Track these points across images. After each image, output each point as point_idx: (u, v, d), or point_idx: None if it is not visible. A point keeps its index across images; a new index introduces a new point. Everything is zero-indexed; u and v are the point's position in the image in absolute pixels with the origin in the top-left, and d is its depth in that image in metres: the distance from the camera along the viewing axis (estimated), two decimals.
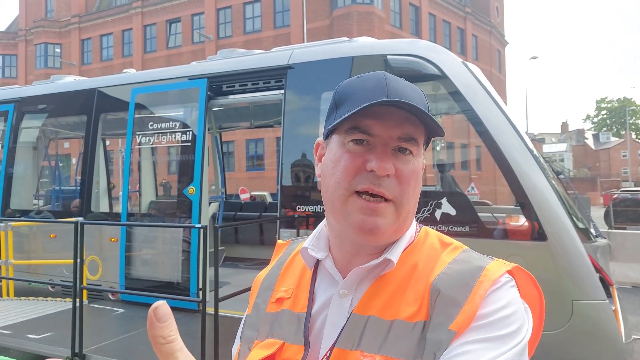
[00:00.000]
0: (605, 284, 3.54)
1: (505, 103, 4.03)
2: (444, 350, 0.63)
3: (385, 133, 0.71)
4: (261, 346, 0.75)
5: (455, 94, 3.94)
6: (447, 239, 0.79)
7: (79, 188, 5.94)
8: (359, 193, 0.70)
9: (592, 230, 4.10)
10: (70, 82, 6.28)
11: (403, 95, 0.70)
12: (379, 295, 0.71)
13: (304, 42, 19.71)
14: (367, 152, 0.71)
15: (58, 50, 32.16)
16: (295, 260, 0.86)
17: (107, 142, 7.13)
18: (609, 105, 71.59)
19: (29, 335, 4.08)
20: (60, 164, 8.81)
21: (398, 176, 0.71)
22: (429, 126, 0.72)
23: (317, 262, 0.80)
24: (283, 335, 0.75)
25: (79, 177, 6.10)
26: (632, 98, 70.86)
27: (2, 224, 5.54)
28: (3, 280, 5.52)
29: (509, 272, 0.71)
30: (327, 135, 0.78)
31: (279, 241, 0.96)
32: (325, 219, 0.81)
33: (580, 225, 3.75)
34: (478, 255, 0.75)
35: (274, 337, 0.76)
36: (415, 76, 4.16)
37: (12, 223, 5.61)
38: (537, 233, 3.51)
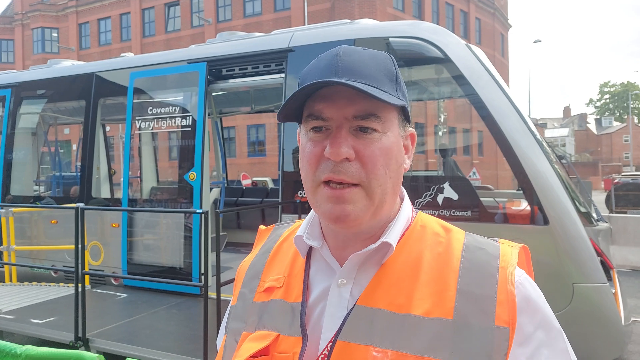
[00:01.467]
0: (606, 267, 3.55)
1: (508, 87, 3.98)
2: (503, 350, 0.62)
3: (338, 114, 0.66)
4: (252, 338, 0.72)
5: (459, 77, 3.89)
6: (447, 224, 0.76)
7: (79, 174, 5.93)
8: (326, 182, 0.67)
9: (594, 214, 4.09)
10: (67, 66, 6.22)
11: (354, 69, 0.65)
12: (384, 285, 0.68)
13: (304, 25, 19.46)
14: (325, 138, 0.67)
15: (55, 34, 31.80)
16: (283, 247, 0.82)
17: (107, 128, 7.09)
18: (612, 90, 71.03)
19: (33, 320, 4.11)
20: (61, 150, 8.79)
21: (360, 158, 0.66)
22: (388, 100, 0.65)
23: (310, 249, 0.77)
24: (276, 326, 0.71)
25: (79, 163, 6.08)
26: (635, 82, 70.24)
27: (3, 210, 5.54)
28: (5, 266, 5.55)
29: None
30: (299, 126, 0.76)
31: (261, 227, 0.91)
32: None
33: (582, 209, 3.75)
34: (482, 238, 0.73)
35: (266, 329, 0.72)
36: (418, 59, 4.11)
37: (13, 209, 5.62)
38: (539, 217, 3.51)
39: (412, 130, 0.76)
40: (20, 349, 1.59)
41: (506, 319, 0.63)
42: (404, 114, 0.73)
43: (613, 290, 3.49)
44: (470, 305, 0.64)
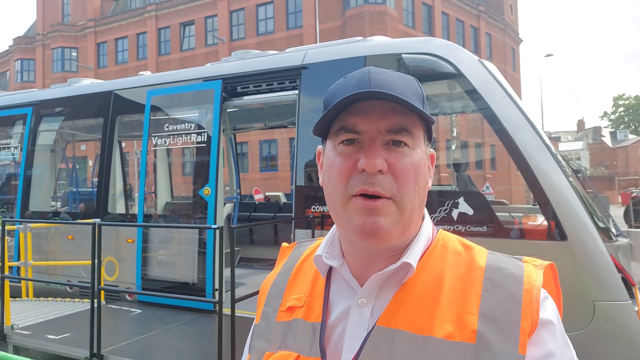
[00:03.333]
0: (628, 284, 3.45)
1: (521, 101, 3.97)
2: None
3: (371, 127, 0.67)
4: (275, 358, 0.72)
5: (472, 92, 3.89)
6: (469, 242, 0.75)
7: (95, 190, 6.03)
8: (356, 196, 0.67)
9: (613, 230, 4.01)
10: (87, 85, 6.37)
11: (387, 86, 0.66)
12: (404, 306, 0.67)
13: (316, 42, 19.70)
14: (357, 151, 0.68)
15: (74, 54, 32.70)
16: (305, 265, 0.81)
17: (123, 144, 7.21)
18: (627, 102, 70.15)
19: (48, 336, 4.14)
20: (77, 166, 8.95)
21: (393, 171, 0.67)
22: (420, 114, 0.68)
23: (330, 268, 0.76)
24: (297, 346, 0.71)
25: (95, 179, 6.18)
26: None
27: (22, 226, 5.64)
28: (22, 281, 5.62)
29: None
30: (323, 141, 0.76)
31: (284, 244, 0.91)
32: (334, 225, 0.77)
33: (601, 224, 3.67)
34: (506, 257, 0.72)
35: (287, 349, 0.72)
36: (431, 75, 4.12)
37: (31, 225, 5.71)
38: (557, 232, 3.45)
39: (432, 151, 0.76)
40: None
41: (525, 346, 0.62)
42: (429, 133, 0.74)
43: (636, 308, 3.40)
44: (493, 330, 0.63)
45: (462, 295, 0.67)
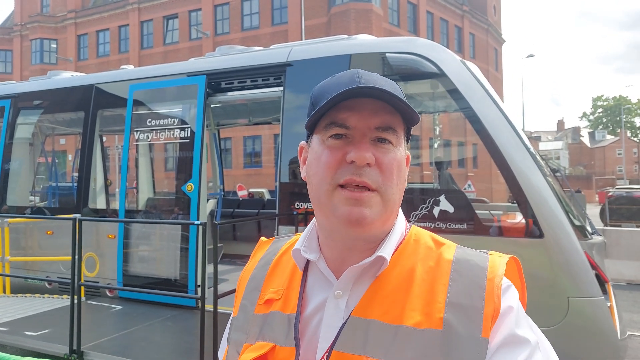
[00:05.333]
0: (601, 280, 3.57)
1: (502, 101, 4.05)
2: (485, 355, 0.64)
3: (362, 123, 0.71)
4: (252, 349, 0.74)
5: (454, 92, 3.95)
6: (439, 238, 0.79)
7: (75, 184, 5.93)
8: (343, 186, 0.70)
9: (588, 228, 4.13)
10: (67, 78, 6.25)
11: (376, 86, 0.70)
12: (377, 297, 0.70)
13: (301, 39, 19.66)
14: (346, 145, 0.71)
15: (54, 45, 31.92)
16: (283, 260, 0.84)
17: (104, 139, 7.10)
18: (605, 104, 71.88)
19: (27, 332, 4.07)
20: (57, 161, 8.78)
21: (379, 165, 0.70)
22: (405, 114, 0.72)
23: (308, 262, 0.79)
24: (274, 337, 0.74)
25: (75, 174, 6.08)
26: (627, 96, 71.12)
27: None
28: None
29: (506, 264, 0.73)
30: (308, 137, 0.78)
31: (262, 239, 0.94)
32: (314, 219, 0.80)
33: (577, 222, 3.78)
34: (473, 251, 0.76)
35: (265, 340, 0.74)
36: (414, 74, 4.17)
37: (9, 219, 5.59)
38: (534, 230, 3.54)
39: (408, 152, 0.80)
40: None
41: (489, 331, 0.65)
42: (408, 135, 0.78)
43: (608, 304, 3.51)
44: (459, 316, 0.66)
45: (431, 287, 0.70)
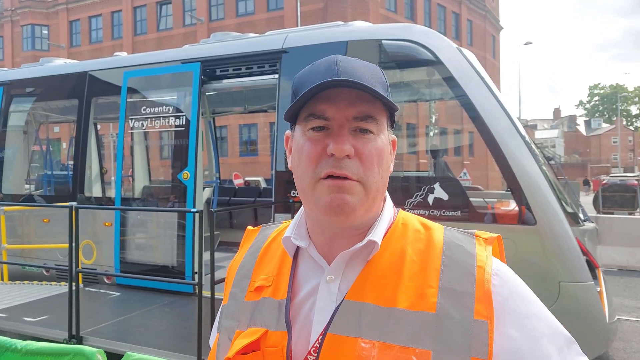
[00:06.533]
0: (592, 266, 3.63)
1: (499, 89, 4.06)
2: (483, 340, 0.66)
3: (339, 114, 0.71)
4: (244, 335, 0.76)
5: (449, 80, 3.96)
6: (426, 221, 0.81)
7: (70, 173, 5.92)
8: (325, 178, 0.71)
9: (581, 215, 4.19)
10: (60, 65, 6.19)
11: (354, 74, 0.70)
12: (370, 281, 0.72)
13: (297, 25, 19.46)
14: (326, 137, 0.71)
15: (45, 32, 31.45)
16: (272, 247, 0.85)
17: (99, 127, 7.06)
18: (602, 92, 71.90)
19: (26, 318, 4.11)
20: (51, 149, 8.73)
21: (359, 156, 0.71)
22: (386, 102, 0.72)
23: (297, 249, 0.80)
24: (265, 322, 0.75)
25: (70, 162, 6.06)
26: (624, 84, 71.17)
27: None
28: None
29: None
30: (291, 127, 0.79)
31: (249, 227, 0.95)
32: (302, 208, 0.82)
33: (569, 209, 3.83)
34: (460, 234, 0.78)
35: (256, 325, 0.76)
36: (410, 61, 4.17)
37: (4, 207, 5.59)
38: (527, 217, 3.59)
39: (394, 136, 0.81)
40: (20, 344, 1.61)
41: (484, 313, 0.68)
42: (392, 120, 0.79)
43: (598, 289, 3.58)
44: (451, 300, 0.69)
45: (422, 270, 0.72)
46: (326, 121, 0.72)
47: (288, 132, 0.83)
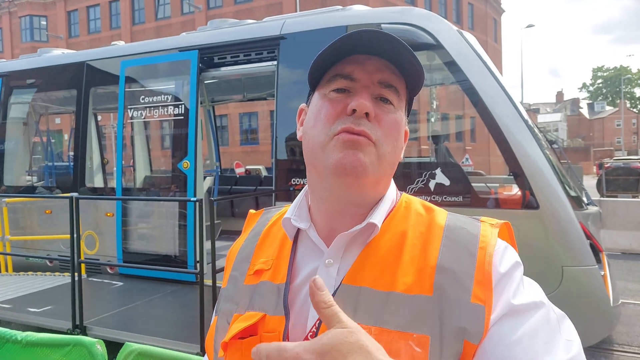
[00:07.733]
0: (595, 250, 3.62)
1: (501, 73, 4.01)
2: (479, 325, 0.64)
3: (367, 77, 0.71)
4: (242, 319, 0.74)
5: (451, 64, 3.90)
6: (430, 204, 0.79)
7: (71, 164, 5.91)
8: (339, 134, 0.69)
9: (584, 199, 4.16)
10: (58, 55, 6.14)
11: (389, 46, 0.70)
12: (368, 264, 0.70)
13: (296, 11, 19.25)
14: (348, 97, 0.70)
15: (44, 22, 31.22)
16: (273, 230, 0.83)
17: (99, 117, 7.04)
18: (606, 74, 71.20)
19: (29, 309, 4.13)
20: (52, 140, 8.72)
21: (378, 121, 0.70)
22: (409, 77, 0.72)
23: (298, 232, 0.78)
24: (263, 307, 0.73)
25: (71, 153, 6.05)
26: (628, 66, 70.39)
27: None
28: (1, 256, 5.55)
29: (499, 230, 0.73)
30: (308, 98, 0.78)
31: (251, 211, 0.93)
32: (304, 188, 0.79)
33: (572, 193, 3.80)
34: (464, 218, 0.75)
35: (254, 309, 0.74)
36: (410, 45, 4.09)
37: (7, 199, 5.60)
38: (530, 201, 3.56)
39: (407, 128, 0.79)
40: (20, 335, 1.61)
41: (482, 297, 0.65)
42: (409, 106, 0.77)
43: (602, 273, 3.57)
44: (449, 281, 0.66)
45: (422, 252, 0.70)
46: (351, 82, 0.71)
47: (303, 105, 0.81)
